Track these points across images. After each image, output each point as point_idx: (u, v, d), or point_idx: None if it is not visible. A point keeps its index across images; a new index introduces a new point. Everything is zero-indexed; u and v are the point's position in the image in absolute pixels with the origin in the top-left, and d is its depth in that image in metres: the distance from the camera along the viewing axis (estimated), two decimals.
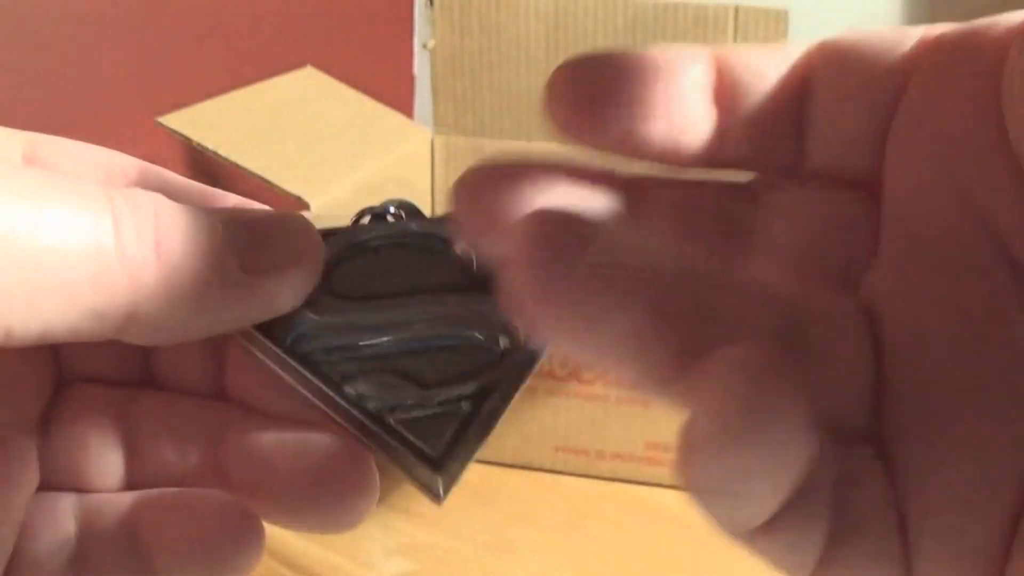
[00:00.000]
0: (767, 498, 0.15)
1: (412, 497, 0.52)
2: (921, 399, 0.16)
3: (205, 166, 0.69)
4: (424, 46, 0.54)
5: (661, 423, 0.51)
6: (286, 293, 0.19)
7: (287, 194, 0.65)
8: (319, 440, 0.20)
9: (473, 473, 0.58)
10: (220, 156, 0.67)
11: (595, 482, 0.53)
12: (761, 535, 0.16)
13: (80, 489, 0.20)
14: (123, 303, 0.17)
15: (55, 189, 0.16)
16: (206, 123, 0.69)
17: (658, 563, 0.47)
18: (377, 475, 0.21)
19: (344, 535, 0.49)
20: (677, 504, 0.51)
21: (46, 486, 0.20)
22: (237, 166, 0.67)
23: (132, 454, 0.20)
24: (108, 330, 0.17)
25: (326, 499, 0.20)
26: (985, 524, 0.15)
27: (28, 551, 0.19)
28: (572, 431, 0.52)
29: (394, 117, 0.76)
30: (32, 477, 0.19)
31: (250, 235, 0.18)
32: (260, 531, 0.19)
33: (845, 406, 0.16)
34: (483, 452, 0.21)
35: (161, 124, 0.69)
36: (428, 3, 0.54)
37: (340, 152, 0.67)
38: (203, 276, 0.17)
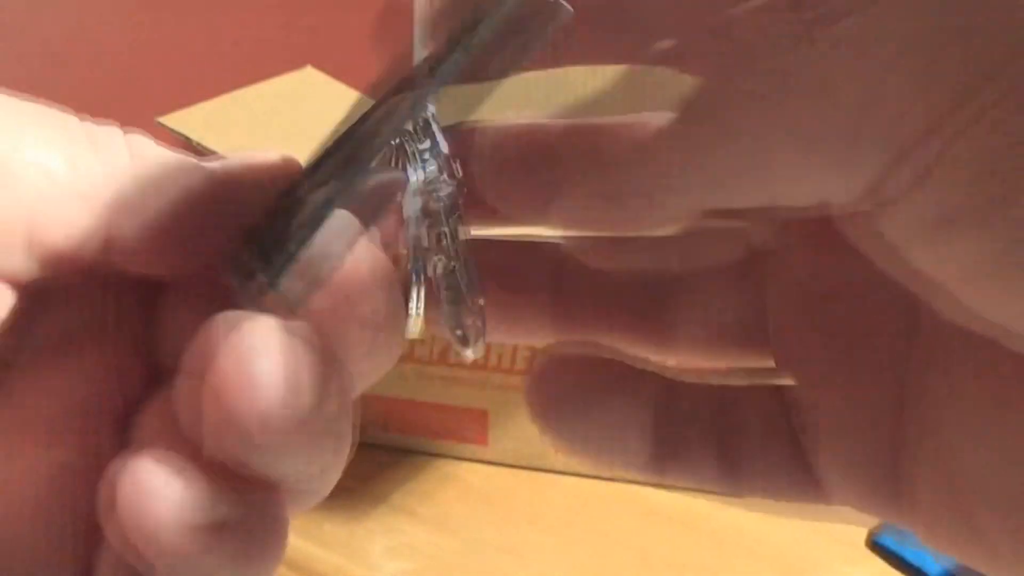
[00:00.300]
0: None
1: (413, 497, 0.52)
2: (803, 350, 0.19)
3: None
4: (424, 46, 0.54)
5: None
6: (263, 176, 0.19)
7: None
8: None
9: (474, 473, 0.58)
10: (220, 156, 0.67)
11: (595, 482, 0.52)
12: (655, 471, 0.20)
13: None
14: (101, 222, 0.17)
15: (33, 113, 0.17)
16: (206, 123, 0.69)
17: (658, 563, 0.47)
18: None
19: (345, 535, 0.49)
20: (677, 504, 0.51)
21: None
22: None
23: None
24: (95, 248, 0.17)
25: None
26: (869, 437, 0.18)
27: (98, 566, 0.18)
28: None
29: None
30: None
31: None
32: None
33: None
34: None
35: (161, 124, 0.69)
36: (428, 3, 0.54)
37: None
38: (180, 183, 0.17)
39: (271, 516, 0.16)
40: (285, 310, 0.16)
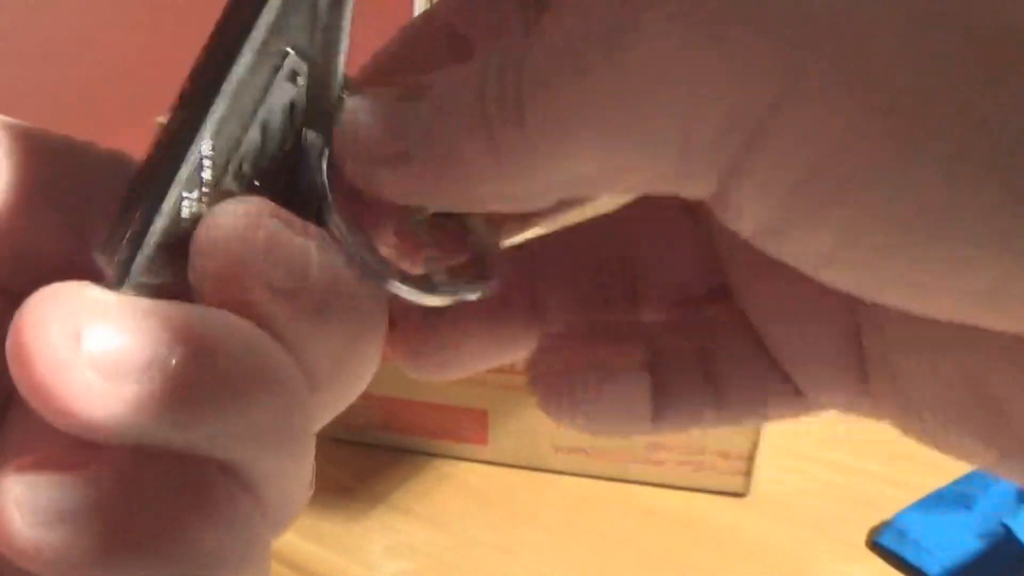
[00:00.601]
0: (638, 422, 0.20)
1: (412, 496, 0.52)
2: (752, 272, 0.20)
3: None
4: None
5: None
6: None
7: None
8: None
9: (473, 473, 0.58)
10: None
11: (595, 482, 0.52)
12: (656, 424, 0.20)
13: None
14: None
15: None
16: None
17: (658, 563, 0.47)
18: None
19: (344, 535, 0.49)
20: (677, 504, 0.51)
21: None
22: None
23: None
24: None
25: None
26: (829, 342, 0.19)
27: None
28: (572, 431, 0.52)
29: None
30: None
31: None
32: None
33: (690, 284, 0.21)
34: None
35: (161, 124, 0.69)
36: (428, 2, 0.54)
37: None
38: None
39: (170, 488, 0.15)
40: (148, 288, 0.16)
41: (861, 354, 0.19)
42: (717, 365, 0.20)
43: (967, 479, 0.50)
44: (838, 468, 0.53)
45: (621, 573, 0.47)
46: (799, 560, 0.48)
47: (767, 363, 0.20)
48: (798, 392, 0.20)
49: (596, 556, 0.48)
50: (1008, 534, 0.45)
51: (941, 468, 0.51)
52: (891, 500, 0.50)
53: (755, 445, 0.50)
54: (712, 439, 0.51)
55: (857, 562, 0.48)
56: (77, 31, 0.78)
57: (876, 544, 0.48)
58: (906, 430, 0.18)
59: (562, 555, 0.48)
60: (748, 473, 0.51)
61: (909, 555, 0.47)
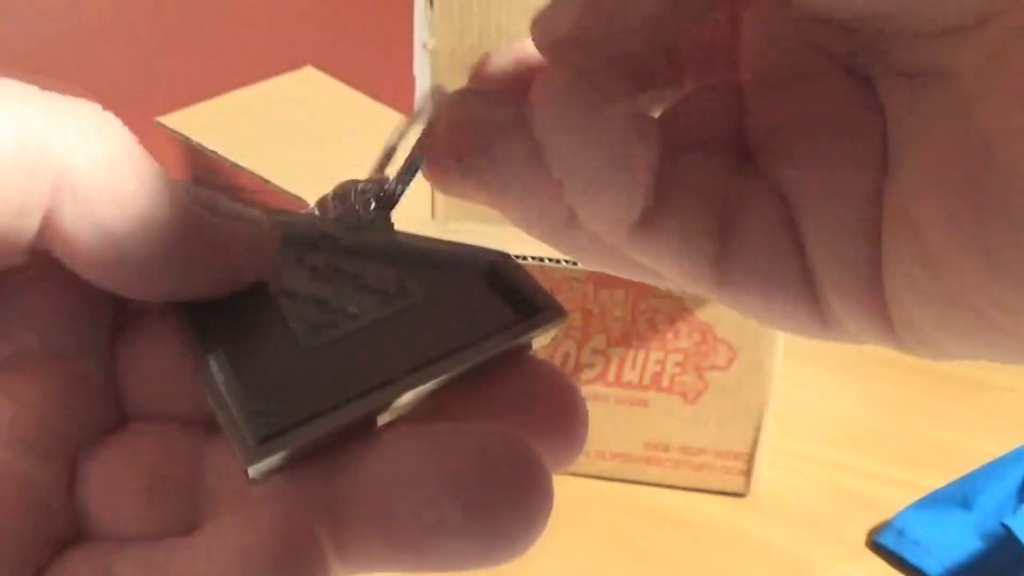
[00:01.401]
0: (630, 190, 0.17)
1: None
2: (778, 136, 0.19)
3: (205, 166, 0.69)
4: (424, 46, 0.54)
5: (661, 423, 0.51)
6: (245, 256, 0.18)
7: (286, 194, 0.65)
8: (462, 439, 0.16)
9: None
10: (220, 156, 0.67)
11: (595, 482, 0.53)
12: (645, 233, 0.18)
13: (116, 537, 0.17)
14: (41, 201, 0.15)
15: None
16: (206, 123, 0.69)
17: (658, 563, 0.47)
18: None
19: None
20: (677, 504, 0.51)
21: (76, 536, 0.17)
22: (237, 166, 0.67)
23: (194, 499, 0.17)
24: (23, 237, 0.15)
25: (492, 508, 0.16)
26: (852, 208, 0.17)
27: None
28: None
29: (394, 117, 0.76)
30: (57, 530, 0.16)
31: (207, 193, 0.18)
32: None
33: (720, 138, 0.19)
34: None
35: (161, 124, 0.69)
36: (428, 3, 0.54)
37: (340, 152, 0.67)
38: (145, 194, 0.16)
39: None
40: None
41: (882, 238, 0.17)
42: (734, 217, 0.18)
43: (967, 479, 0.50)
44: (838, 468, 0.53)
45: (621, 573, 0.47)
46: (799, 560, 0.48)
47: (786, 244, 0.18)
48: (809, 279, 0.18)
49: (596, 556, 0.48)
50: (1008, 534, 0.45)
51: (941, 468, 0.51)
52: (891, 500, 0.50)
53: (755, 445, 0.50)
54: (712, 439, 0.51)
55: (857, 562, 0.48)
56: (78, 31, 0.78)
57: (876, 544, 0.48)
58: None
59: (562, 555, 0.48)
60: (748, 473, 0.51)
61: (909, 555, 0.47)
